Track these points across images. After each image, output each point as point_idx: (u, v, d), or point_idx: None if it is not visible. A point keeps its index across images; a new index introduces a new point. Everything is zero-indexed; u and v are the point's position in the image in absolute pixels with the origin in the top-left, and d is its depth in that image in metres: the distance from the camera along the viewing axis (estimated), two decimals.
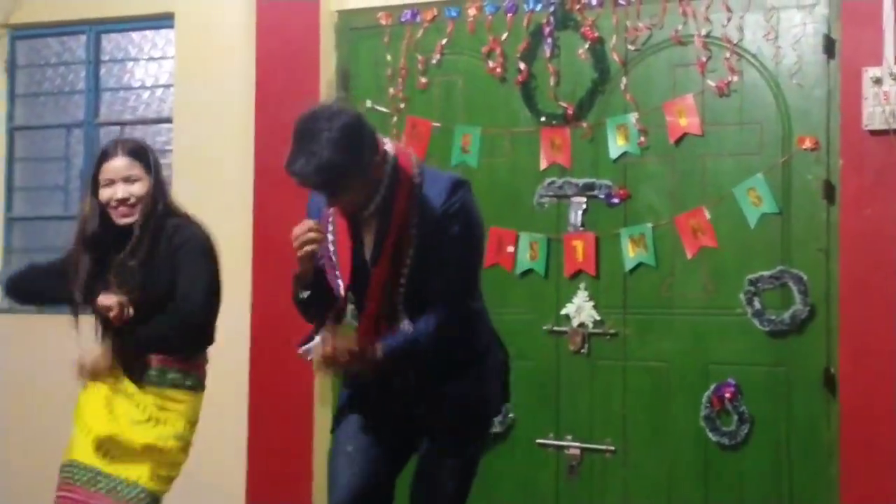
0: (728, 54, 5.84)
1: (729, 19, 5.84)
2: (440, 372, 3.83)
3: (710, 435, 5.82)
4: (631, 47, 6.04)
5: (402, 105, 6.48)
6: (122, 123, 7.38)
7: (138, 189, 4.31)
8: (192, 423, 4.45)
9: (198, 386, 4.46)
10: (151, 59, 7.41)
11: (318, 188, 3.64)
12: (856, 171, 5.57)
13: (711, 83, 5.87)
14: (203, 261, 4.33)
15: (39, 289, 4.70)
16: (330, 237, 3.84)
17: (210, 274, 4.33)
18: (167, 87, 7.28)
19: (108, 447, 4.37)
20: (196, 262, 4.30)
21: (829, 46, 5.68)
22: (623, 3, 6.04)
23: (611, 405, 6.08)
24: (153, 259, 4.28)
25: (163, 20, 7.21)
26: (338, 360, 3.68)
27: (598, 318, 6.07)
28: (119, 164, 4.31)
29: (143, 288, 4.26)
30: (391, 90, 6.52)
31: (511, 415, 6.16)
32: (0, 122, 7.65)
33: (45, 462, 7.17)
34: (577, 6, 6.13)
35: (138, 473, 4.31)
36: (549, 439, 6.16)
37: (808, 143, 5.69)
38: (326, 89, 6.62)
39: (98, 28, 7.44)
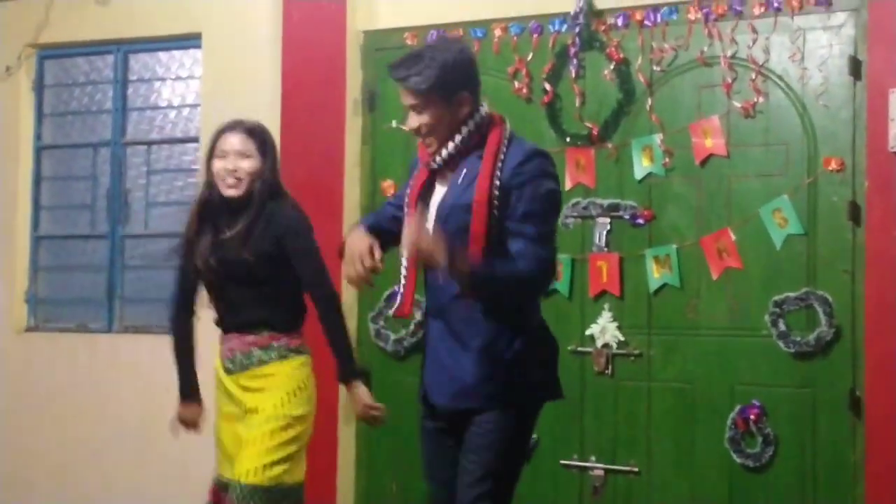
0: (754, 75, 5.84)
1: (755, 40, 5.84)
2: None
3: (734, 457, 5.80)
4: (656, 68, 6.05)
5: None
6: (149, 143, 7.41)
7: (249, 165, 4.59)
8: (291, 392, 4.58)
9: (284, 355, 4.61)
10: (178, 78, 7.44)
11: (411, 85, 3.81)
12: (882, 193, 5.56)
13: (737, 104, 5.87)
14: (310, 244, 4.67)
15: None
16: (407, 189, 4.02)
17: (318, 253, 4.67)
18: (194, 106, 7.31)
19: (232, 453, 4.61)
20: (307, 248, 4.65)
21: (856, 68, 5.67)
22: (649, 24, 6.05)
23: (635, 426, 6.07)
24: (250, 234, 4.54)
25: (190, 40, 7.25)
26: (427, 247, 3.62)
27: (622, 338, 6.07)
28: (235, 138, 4.62)
29: (235, 259, 4.52)
30: None
31: (535, 436, 6.14)
32: (28, 140, 7.70)
33: (72, 479, 7.26)
34: (603, 27, 6.14)
35: (243, 469, 4.46)
36: (573, 460, 6.15)
37: (833, 165, 5.68)
38: (352, 109, 6.64)
39: (125, 48, 7.49)
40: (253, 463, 4.45)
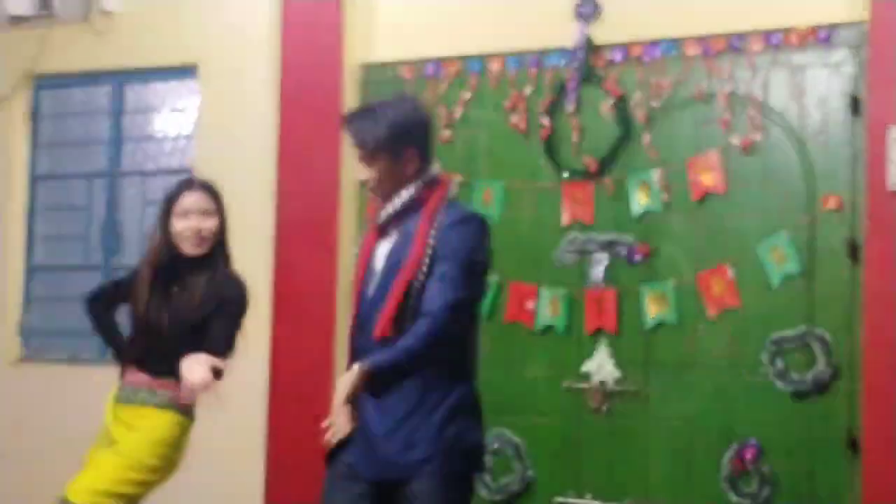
0: (752, 112, 5.82)
1: (754, 77, 5.83)
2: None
3: (731, 496, 5.76)
4: (655, 103, 6.03)
5: None
6: (144, 173, 7.39)
7: (211, 224, 4.60)
8: (155, 442, 4.55)
9: (168, 406, 4.58)
10: (174, 109, 7.43)
11: (359, 141, 3.90)
12: (881, 231, 5.53)
13: (735, 141, 5.85)
14: (238, 323, 4.58)
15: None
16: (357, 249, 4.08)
17: (237, 332, 4.58)
18: (189, 137, 7.30)
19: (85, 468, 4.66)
20: (233, 323, 4.56)
21: (855, 106, 5.66)
22: (647, 59, 6.04)
23: (631, 464, 6.03)
24: (195, 292, 4.56)
25: (185, 71, 7.24)
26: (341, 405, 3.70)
27: (618, 375, 6.03)
28: (196, 197, 4.61)
29: (185, 319, 4.53)
30: None
31: (530, 472, 6.12)
32: (23, 170, 7.69)
33: None
34: (601, 62, 6.13)
35: (73, 489, 4.58)
36: (569, 497, 6.11)
37: (832, 203, 5.66)
38: (349, 142, 6.61)
39: (121, 79, 7.48)
40: (92, 484, 4.50)
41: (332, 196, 6.56)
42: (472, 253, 3.82)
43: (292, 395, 6.48)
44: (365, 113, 3.93)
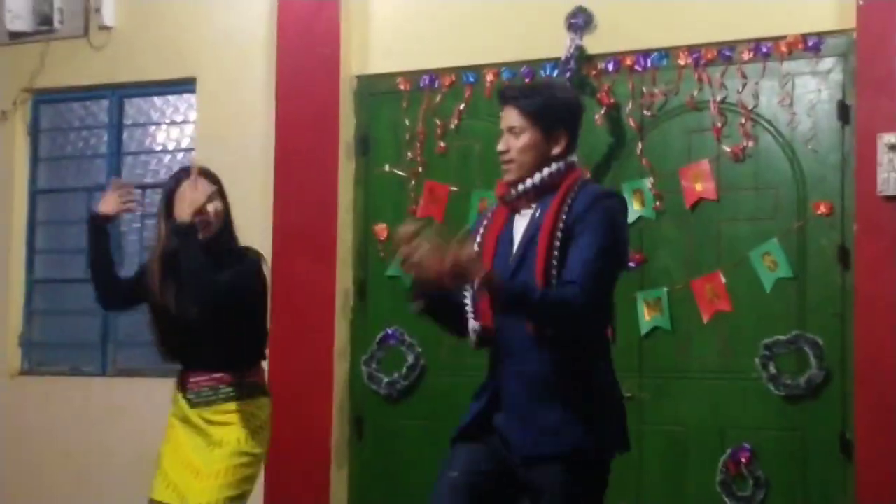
0: (743, 120, 5.89)
1: (744, 85, 5.89)
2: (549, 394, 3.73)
3: (726, 500, 5.81)
4: (647, 113, 6.09)
5: (421, 169, 6.55)
6: (144, 186, 7.44)
7: (214, 209, 4.62)
8: (254, 430, 4.64)
9: (251, 393, 4.67)
10: (173, 122, 7.49)
11: (519, 105, 3.81)
12: (871, 237, 5.59)
13: (727, 148, 5.91)
14: (254, 298, 4.72)
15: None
16: (480, 230, 3.94)
17: (262, 310, 4.81)
18: (188, 150, 7.35)
19: (176, 480, 4.61)
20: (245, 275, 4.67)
21: (844, 112, 5.72)
22: (639, 68, 6.10)
23: (626, 469, 6.05)
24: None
25: (184, 85, 7.31)
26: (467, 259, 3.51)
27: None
28: (203, 183, 4.62)
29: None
30: (409, 154, 6.58)
31: None
32: (23, 184, 7.74)
33: None
34: (594, 72, 6.19)
35: (201, 500, 4.50)
36: None
37: (823, 209, 5.72)
38: (345, 153, 6.68)
39: (120, 93, 7.54)
40: (214, 495, 4.50)
41: (330, 206, 6.62)
42: (611, 228, 3.75)
43: (290, 401, 6.51)
44: (527, 86, 4.03)
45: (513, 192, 3.86)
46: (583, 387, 3.74)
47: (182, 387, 4.69)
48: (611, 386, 3.87)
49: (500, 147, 3.85)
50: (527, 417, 3.72)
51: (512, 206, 3.90)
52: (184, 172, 4.72)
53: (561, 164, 3.82)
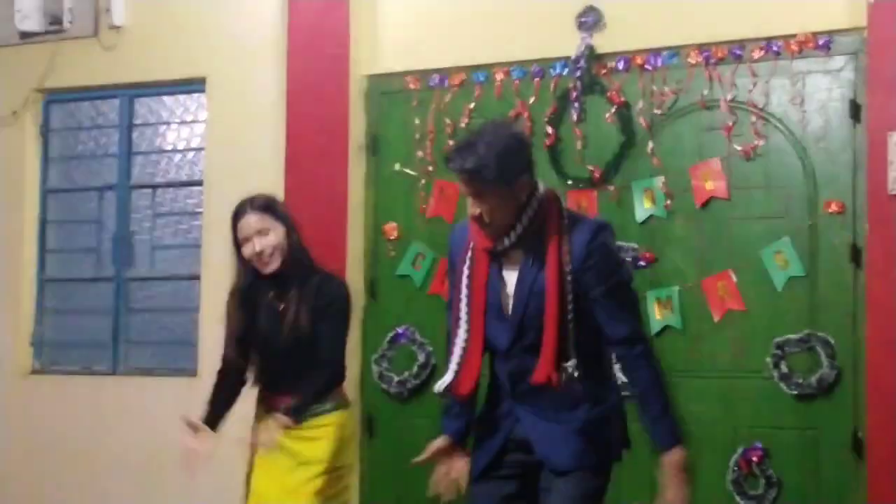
0: (754, 119, 5.88)
1: (755, 84, 5.88)
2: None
3: (737, 498, 5.81)
4: (657, 111, 6.09)
5: (431, 168, 6.54)
6: (154, 186, 7.46)
7: (272, 239, 4.61)
8: (342, 443, 4.67)
9: (337, 407, 4.69)
10: (183, 122, 7.50)
11: (468, 178, 3.72)
12: (882, 235, 5.58)
13: (738, 147, 5.90)
14: (344, 321, 4.73)
15: None
16: (465, 273, 3.90)
17: (347, 332, 4.76)
18: (198, 150, 7.36)
19: (271, 498, 4.61)
20: (340, 323, 4.71)
21: (855, 111, 5.72)
22: (649, 67, 6.10)
23: (638, 467, 6.04)
24: (300, 303, 4.61)
25: (194, 85, 7.31)
26: None
27: (624, 380, 6.04)
28: (250, 220, 4.62)
29: (290, 329, 4.59)
30: (419, 153, 6.58)
31: None
32: (34, 184, 7.75)
33: None
34: (604, 71, 6.19)
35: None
36: None
37: (834, 207, 5.71)
38: (355, 153, 6.69)
39: (131, 93, 7.54)
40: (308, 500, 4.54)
41: (341, 205, 6.62)
42: (619, 268, 3.87)
43: None
44: (469, 147, 3.75)
45: (498, 246, 3.80)
46: (599, 406, 3.91)
47: (271, 409, 4.67)
48: (618, 395, 4.03)
49: (473, 212, 3.76)
50: (551, 439, 3.83)
51: (498, 257, 3.86)
52: (238, 208, 4.70)
53: (534, 202, 3.77)
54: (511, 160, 3.72)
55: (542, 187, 3.84)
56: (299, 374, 4.61)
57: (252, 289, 4.67)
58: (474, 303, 3.85)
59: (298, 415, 4.54)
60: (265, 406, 4.71)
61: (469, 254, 3.89)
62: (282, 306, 4.63)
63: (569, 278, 3.72)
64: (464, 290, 3.87)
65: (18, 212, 7.69)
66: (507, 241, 3.78)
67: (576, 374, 3.76)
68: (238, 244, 4.66)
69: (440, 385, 3.90)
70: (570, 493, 3.82)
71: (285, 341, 4.60)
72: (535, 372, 3.74)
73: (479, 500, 3.96)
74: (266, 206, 4.68)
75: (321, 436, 4.62)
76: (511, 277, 3.82)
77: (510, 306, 3.81)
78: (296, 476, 4.58)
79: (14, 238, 7.68)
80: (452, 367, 3.87)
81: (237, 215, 4.67)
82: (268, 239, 4.59)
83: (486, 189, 3.70)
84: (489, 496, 3.93)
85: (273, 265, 4.61)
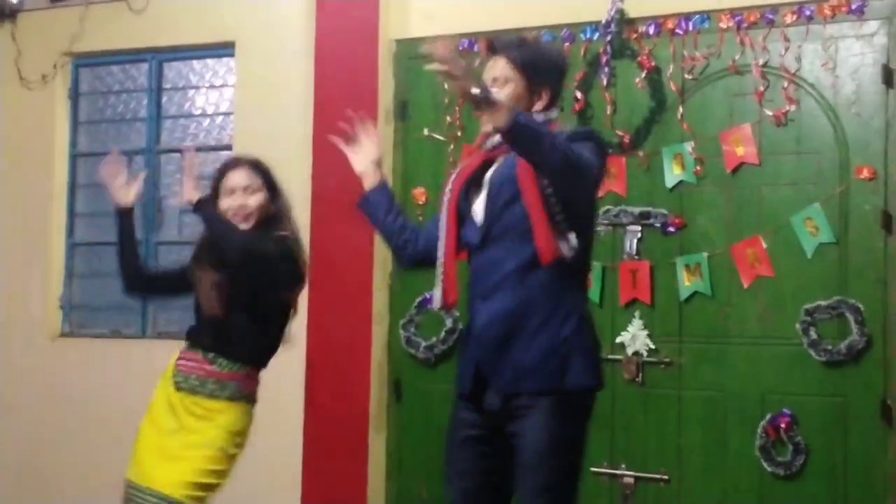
0: (786, 84, 5.84)
1: (787, 49, 5.84)
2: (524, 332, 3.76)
3: (765, 465, 5.79)
4: (688, 76, 6.06)
5: (459, 133, 6.52)
6: (183, 150, 7.45)
7: (255, 200, 4.66)
8: (234, 433, 4.61)
9: (239, 397, 4.63)
10: (212, 87, 7.51)
11: (507, 54, 3.85)
12: None
13: (769, 112, 5.86)
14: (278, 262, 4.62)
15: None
16: (448, 186, 3.99)
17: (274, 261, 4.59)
18: (227, 114, 7.37)
19: (146, 458, 4.62)
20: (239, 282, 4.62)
21: (888, 76, 5.67)
22: (680, 32, 6.06)
23: (665, 434, 6.07)
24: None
25: (223, 49, 7.31)
26: (455, 69, 3.55)
27: (652, 346, 6.07)
28: (240, 175, 4.69)
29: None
30: (448, 118, 6.57)
31: None
32: (63, 148, 7.77)
33: (105, 485, 7.29)
34: (634, 35, 6.15)
35: (163, 481, 4.50)
36: (604, 468, 6.15)
37: (865, 173, 5.67)
38: (384, 118, 6.67)
39: (160, 56, 7.55)
40: (184, 477, 4.49)
41: None
42: (585, 153, 3.75)
43: (329, 366, 6.56)
44: (519, 39, 3.97)
45: (488, 142, 3.89)
46: (560, 321, 3.77)
47: (174, 366, 4.72)
48: (587, 320, 3.88)
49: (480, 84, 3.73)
50: (506, 357, 3.76)
51: (488, 156, 3.92)
52: (230, 162, 4.80)
53: (541, 116, 3.84)
54: (545, 65, 3.89)
55: (556, 115, 3.92)
56: (214, 327, 4.64)
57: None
58: (450, 208, 3.92)
59: None
60: (180, 361, 4.72)
61: (458, 168, 4.02)
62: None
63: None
64: (444, 202, 3.95)
65: (48, 176, 7.72)
66: (495, 139, 3.83)
67: (574, 246, 3.74)
68: (216, 194, 4.70)
69: (435, 302, 3.96)
70: (537, 441, 3.73)
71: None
72: (540, 252, 3.70)
73: (452, 447, 4.00)
74: (259, 167, 4.74)
75: (212, 417, 4.57)
76: (491, 171, 3.88)
77: (483, 198, 3.84)
78: (178, 440, 4.56)
79: (43, 202, 7.72)
80: (438, 278, 3.92)
81: (227, 166, 4.75)
82: (254, 198, 4.65)
83: (512, 75, 3.83)
84: (465, 464, 3.94)
85: (249, 223, 4.64)
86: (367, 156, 4.25)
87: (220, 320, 4.61)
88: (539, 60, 3.88)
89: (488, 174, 3.90)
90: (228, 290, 4.60)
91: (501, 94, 3.77)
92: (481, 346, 3.82)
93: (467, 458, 3.94)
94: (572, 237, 3.75)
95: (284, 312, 4.73)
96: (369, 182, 4.24)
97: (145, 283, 5.09)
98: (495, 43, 3.92)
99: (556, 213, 3.71)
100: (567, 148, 3.59)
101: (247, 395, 4.66)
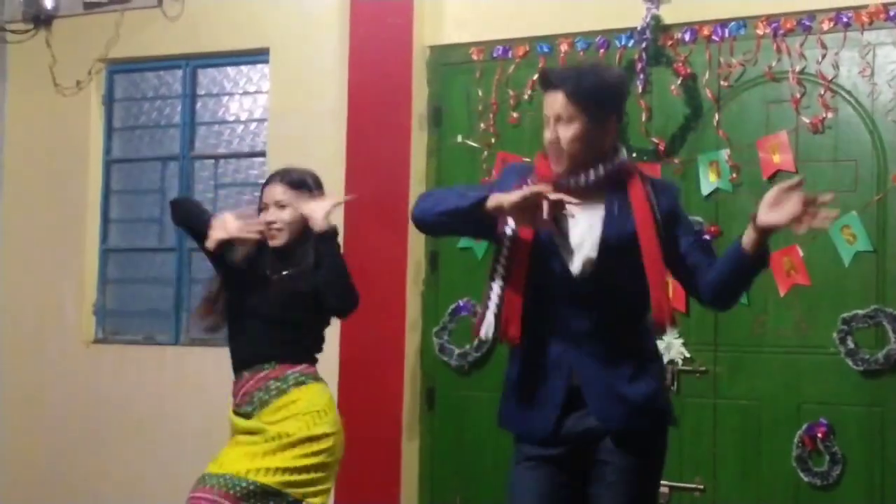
0: (823, 91, 5.79)
1: (824, 56, 5.79)
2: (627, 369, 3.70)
3: (801, 475, 5.75)
4: (724, 83, 6.02)
5: (493, 140, 6.50)
6: (217, 157, 7.47)
7: (286, 215, 4.63)
8: (315, 413, 4.56)
9: (305, 380, 4.63)
10: (246, 93, 7.50)
11: (564, 96, 3.59)
12: None
13: (806, 120, 5.82)
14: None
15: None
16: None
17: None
18: (261, 121, 7.36)
19: (230, 456, 4.59)
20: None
21: None
22: (716, 38, 6.02)
23: (700, 443, 6.03)
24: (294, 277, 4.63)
25: (257, 55, 7.31)
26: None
27: (687, 355, 6.03)
28: (275, 190, 4.67)
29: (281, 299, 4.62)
30: (482, 125, 6.54)
31: None
32: (97, 154, 7.79)
33: (139, 491, 7.31)
34: (670, 42, 6.12)
35: (247, 467, 4.46)
36: None
37: None
38: (418, 124, 6.66)
39: (194, 63, 7.56)
40: (273, 464, 4.45)
41: (402, 176, 6.60)
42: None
43: (362, 373, 6.54)
44: (569, 69, 3.77)
45: (573, 181, 3.63)
46: (650, 362, 3.77)
47: (234, 404, 4.70)
48: (663, 361, 4.00)
49: (549, 136, 3.64)
50: (616, 395, 3.67)
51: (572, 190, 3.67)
52: (270, 176, 4.78)
53: (613, 156, 3.67)
54: (611, 94, 3.65)
55: (622, 149, 3.77)
56: (270, 347, 4.62)
57: (260, 256, 4.69)
58: (520, 242, 3.69)
59: None
60: (236, 397, 4.70)
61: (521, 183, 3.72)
62: (274, 276, 4.64)
63: (659, 226, 3.65)
64: (508, 231, 3.70)
65: (82, 182, 7.74)
66: (581, 180, 3.63)
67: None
68: (260, 209, 4.71)
69: (485, 331, 3.71)
70: (633, 465, 3.67)
71: (268, 311, 4.62)
72: (656, 312, 3.64)
73: (521, 488, 3.77)
74: (296, 182, 4.69)
75: (290, 413, 4.54)
76: (586, 219, 3.66)
77: (590, 244, 3.65)
78: (266, 446, 4.52)
79: (77, 208, 7.73)
80: (492, 310, 3.71)
81: (267, 182, 4.74)
82: (283, 213, 4.63)
83: (576, 112, 3.59)
84: (534, 486, 3.74)
85: (278, 240, 4.64)
86: None
87: (264, 334, 4.62)
88: (600, 91, 3.61)
89: (598, 220, 3.67)
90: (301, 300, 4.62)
91: (568, 132, 3.60)
92: (585, 387, 3.68)
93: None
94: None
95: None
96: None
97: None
98: (550, 76, 3.66)
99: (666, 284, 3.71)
100: None
101: (312, 375, 4.66)
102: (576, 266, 3.65)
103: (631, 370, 3.68)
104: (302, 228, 4.63)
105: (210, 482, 4.47)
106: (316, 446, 4.54)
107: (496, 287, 3.71)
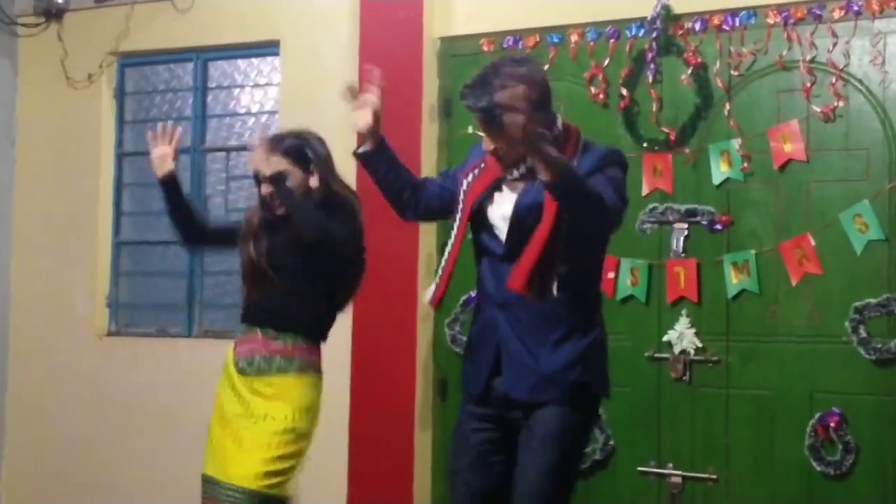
0: (834, 79, 5.78)
1: (835, 44, 5.78)
2: (548, 337, 3.84)
3: (814, 464, 5.75)
4: (735, 73, 6.01)
5: None
6: (228, 149, 7.48)
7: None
8: (304, 408, 4.56)
9: (307, 369, 4.59)
10: (257, 85, 7.51)
11: (481, 120, 3.82)
12: None
13: (817, 108, 5.81)
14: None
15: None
16: (464, 187, 4.04)
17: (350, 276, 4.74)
18: (272, 113, 7.37)
19: (219, 452, 4.59)
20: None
21: None
22: (727, 28, 6.01)
23: (713, 433, 6.03)
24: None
25: (268, 48, 7.31)
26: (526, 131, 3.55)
27: (699, 345, 6.02)
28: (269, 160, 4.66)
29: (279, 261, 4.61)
30: None
31: (611, 442, 6.14)
32: (109, 147, 7.80)
33: (152, 483, 7.33)
34: (680, 31, 6.11)
35: (239, 473, 4.45)
36: (651, 467, 6.12)
37: None
38: (428, 115, 6.66)
39: (205, 55, 7.57)
40: (255, 468, 4.44)
41: (413, 168, 6.34)
42: (620, 190, 3.86)
43: (374, 364, 6.55)
44: (481, 85, 3.79)
45: (509, 177, 3.90)
46: (580, 333, 3.87)
47: (235, 353, 4.68)
48: (602, 334, 3.98)
49: (487, 147, 3.86)
50: (527, 366, 3.84)
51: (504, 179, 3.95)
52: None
53: (556, 131, 3.83)
54: (535, 93, 3.80)
55: (560, 120, 3.89)
56: (278, 307, 4.61)
57: (263, 223, 4.71)
58: (462, 217, 3.98)
59: None
60: (240, 347, 4.69)
61: (475, 171, 4.00)
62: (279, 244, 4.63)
63: None
64: (459, 205, 4.00)
65: (94, 175, 7.75)
66: (515, 173, 3.85)
67: (555, 292, 3.75)
68: (257, 181, 4.73)
69: (429, 294, 4.12)
70: (548, 428, 3.82)
71: (273, 273, 4.60)
72: (509, 277, 3.76)
73: (459, 442, 4.08)
74: (292, 150, 4.73)
75: (279, 395, 4.53)
76: (511, 196, 3.88)
77: (508, 214, 3.85)
78: (248, 429, 4.51)
79: (89, 201, 7.75)
80: (439, 274, 4.09)
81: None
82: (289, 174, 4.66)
83: (499, 128, 3.75)
84: (467, 440, 4.03)
85: (280, 210, 4.64)
86: (370, 114, 4.19)
87: (277, 292, 4.59)
88: (497, 107, 3.75)
89: (515, 196, 3.89)
90: (287, 259, 4.60)
91: (492, 144, 3.83)
92: (503, 353, 3.90)
93: (475, 453, 4.02)
94: (551, 279, 3.77)
95: (344, 279, 4.74)
96: (372, 141, 4.25)
97: (200, 241, 5.15)
98: (464, 103, 3.86)
99: (553, 255, 3.74)
100: (603, 201, 3.67)
101: (314, 366, 4.63)
102: (499, 232, 3.91)
103: (555, 339, 3.83)
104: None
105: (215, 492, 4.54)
106: (294, 441, 4.54)
107: (444, 256, 4.05)
